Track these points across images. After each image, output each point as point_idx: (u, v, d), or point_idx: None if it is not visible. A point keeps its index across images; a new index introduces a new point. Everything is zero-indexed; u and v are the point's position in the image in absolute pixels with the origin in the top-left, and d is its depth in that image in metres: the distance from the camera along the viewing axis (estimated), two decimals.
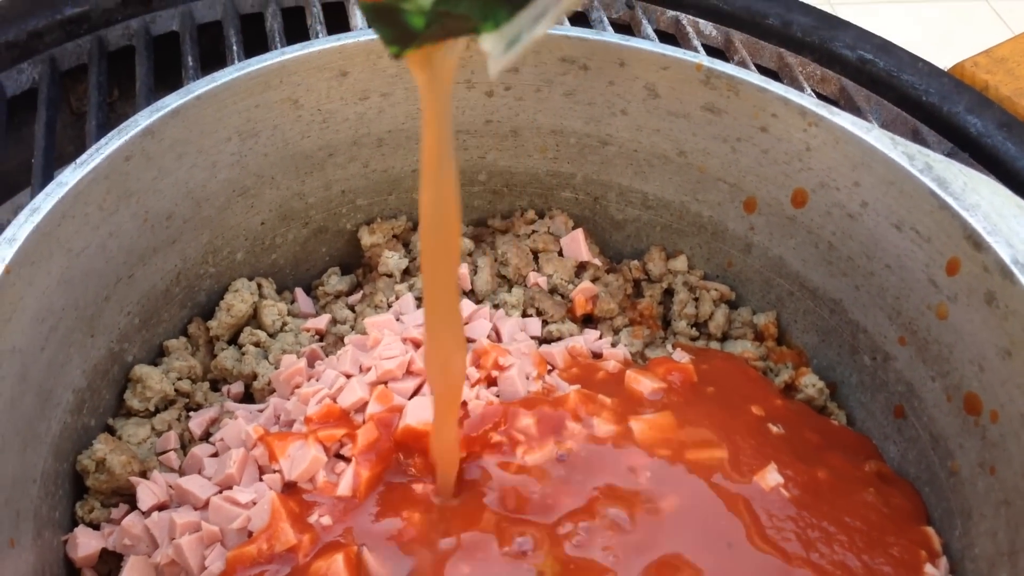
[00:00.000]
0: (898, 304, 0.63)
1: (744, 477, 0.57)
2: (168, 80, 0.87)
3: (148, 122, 0.57)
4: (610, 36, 0.66)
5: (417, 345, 0.60)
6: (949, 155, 0.89)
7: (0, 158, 0.84)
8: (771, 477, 0.57)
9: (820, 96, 0.94)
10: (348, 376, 0.58)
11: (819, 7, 1.00)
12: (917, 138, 0.92)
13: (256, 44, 0.90)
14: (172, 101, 0.58)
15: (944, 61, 0.97)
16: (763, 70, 0.96)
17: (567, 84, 0.68)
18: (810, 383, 0.67)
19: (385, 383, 0.58)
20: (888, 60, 0.98)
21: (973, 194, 0.59)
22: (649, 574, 0.53)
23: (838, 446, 0.63)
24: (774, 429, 0.62)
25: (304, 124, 0.65)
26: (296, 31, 0.92)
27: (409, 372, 0.58)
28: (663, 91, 0.67)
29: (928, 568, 0.56)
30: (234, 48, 0.88)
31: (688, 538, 0.54)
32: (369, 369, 0.58)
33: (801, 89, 0.93)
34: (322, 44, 0.63)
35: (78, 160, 0.55)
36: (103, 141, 0.56)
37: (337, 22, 0.94)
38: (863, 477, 0.61)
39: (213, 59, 0.89)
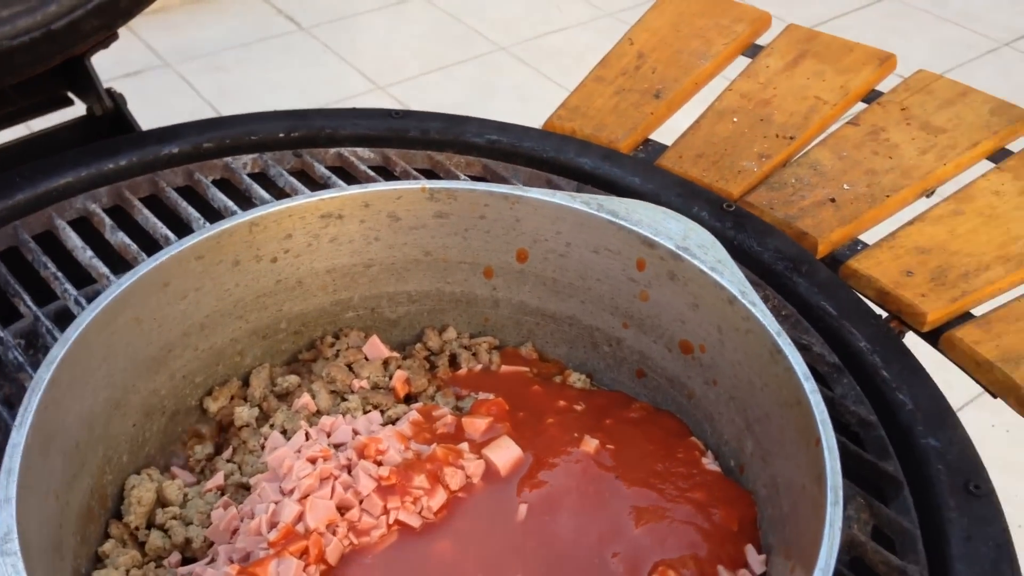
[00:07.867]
0: (614, 302, 0.90)
1: (577, 447, 0.81)
2: None
3: (49, 375, 0.69)
4: (355, 188, 0.87)
5: (312, 461, 0.77)
6: (577, 190, 1.19)
7: None
8: (590, 443, 0.81)
9: (471, 177, 1.20)
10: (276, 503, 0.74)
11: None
12: (552, 184, 1.21)
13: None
14: (57, 351, 0.71)
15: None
16: (422, 171, 1.21)
17: (329, 233, 0.88)
18: (576, 378, 0.92)
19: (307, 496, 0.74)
20: (508, 135, 1.27)
21: (635, 214, 0.87)
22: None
23: (614, 405, 0.89)
24: (577, 407, 0.86)
25: (146, 334, 0.79)
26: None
27: (321, 480, 0.75)
28: (402, 214, 0.89)
29: (704, 459, 0.82)
30: None
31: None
32: (292, 491, 0.74)
33: (456, 177, 1.19)
34: (145, 267, 0.78)
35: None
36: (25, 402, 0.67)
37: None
38: (639, 418, 0.87)
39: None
